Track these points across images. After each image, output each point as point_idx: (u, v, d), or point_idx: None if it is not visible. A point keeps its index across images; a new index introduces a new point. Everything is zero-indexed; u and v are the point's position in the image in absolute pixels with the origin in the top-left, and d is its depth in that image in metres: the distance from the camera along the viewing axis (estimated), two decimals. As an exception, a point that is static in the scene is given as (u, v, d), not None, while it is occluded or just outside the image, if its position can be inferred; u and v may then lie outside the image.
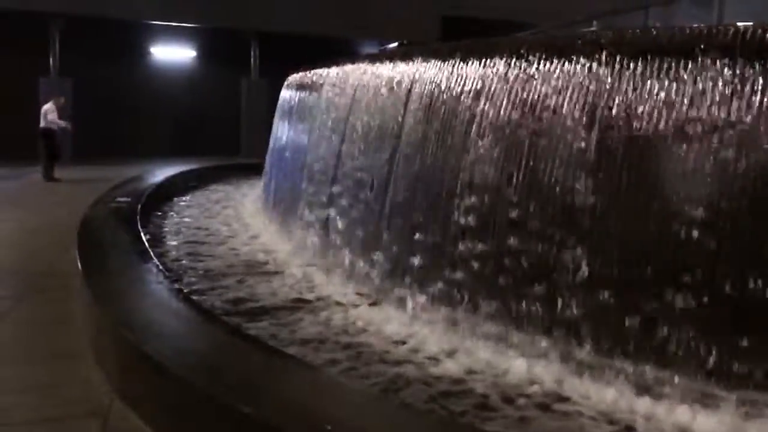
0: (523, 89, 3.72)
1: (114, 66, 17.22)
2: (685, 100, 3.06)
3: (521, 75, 3.75)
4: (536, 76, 3.67)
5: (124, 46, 17.33)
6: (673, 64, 3.12)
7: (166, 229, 7.33)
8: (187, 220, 8.07)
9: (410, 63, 4.82)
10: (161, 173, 10.56)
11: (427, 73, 4.53)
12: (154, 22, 16.98)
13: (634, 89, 3.21)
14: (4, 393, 3.30)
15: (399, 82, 4.89)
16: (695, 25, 3.22)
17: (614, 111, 3.31)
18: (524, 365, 3.37)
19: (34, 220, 8.30)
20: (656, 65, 3.17)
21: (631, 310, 3.10)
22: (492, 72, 3.98)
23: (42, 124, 13.02)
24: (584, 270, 3.28)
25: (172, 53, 18.70)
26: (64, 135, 13.33)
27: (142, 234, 5.50)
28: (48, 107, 13.07)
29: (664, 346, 3.01)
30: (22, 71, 15.82)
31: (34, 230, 7.66)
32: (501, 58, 3.96)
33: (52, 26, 15.86)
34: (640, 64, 3.23)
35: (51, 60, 16.04)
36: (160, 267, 4.42)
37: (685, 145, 3.07)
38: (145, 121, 17.80)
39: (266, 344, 3.22)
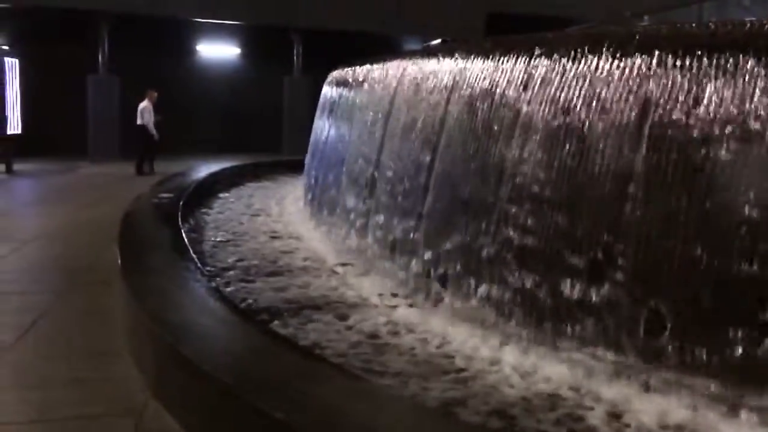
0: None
1: (160, 63, 17.49)
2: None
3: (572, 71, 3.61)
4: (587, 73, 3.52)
5: (170, 43, 17.60)
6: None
7: (208, 225, 7.36)
8: (227, 216, 8.10)
9: (452, 59, 4.71)
10: (204, 170, 10.65)
11: (469, 69, 4.41)
12: (200, 20, 17.19)
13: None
14: (43, 388, 3.33)
15: (441, 79, 4.78)
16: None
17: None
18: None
19: (80, 215, 8.45)
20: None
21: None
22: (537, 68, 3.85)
23: (138, 121, 13.33)
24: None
25: (217, 51, 18.92)
26: (159, 130, 13.69)
27: (182, 231, 5.50)
28: (145, 105, 13.37)
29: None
30: (71, 69, 16.19)
31: (80, 224, 7.79)
32: (545, 54, 3.83)
33: (100, 24, 16.18)
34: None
35: (100, 57, 16.36)
36: (199, 265, 4.41)
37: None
38: (190, 118, 18.04)
39: (302, 347, 3.16)
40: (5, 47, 13.98)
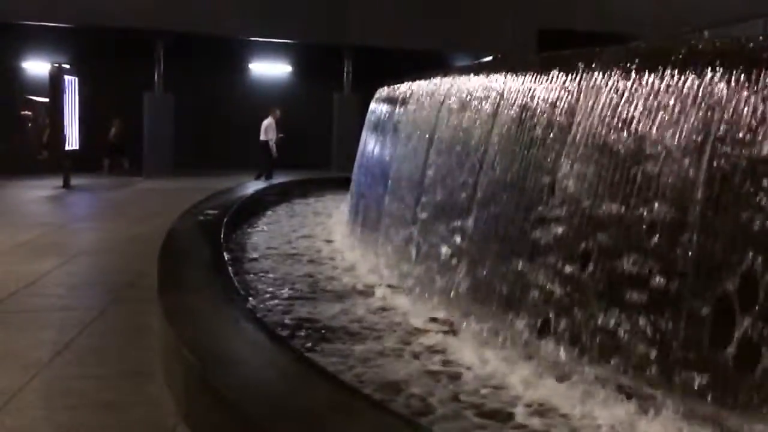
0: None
1: (214, 81, 17.77)
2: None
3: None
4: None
5: (224, 62, 17.88)
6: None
7: (249, 244, 7.31)
8: (271, 234, 8.06)
9: (499, 76, 4.54)
10: (252, 186, 10.69)
11: (516, 86, 4.23)
12: (254, 39, 17.42)
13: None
14: (73, 408, 3.27)
15: (487, 95, 4.61)
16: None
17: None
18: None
19: (130, 230, 8.52)
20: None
21: None
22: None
23: (262, 137, 13.92)
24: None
25: (269, 69, 19.15)
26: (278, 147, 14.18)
27: (222, 250, 5.45)
28: (269, 122, 13.77)
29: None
30: (128, 87, 16.58)
31: (129, 239, 7.84)
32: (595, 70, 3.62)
33: (156, 43, 16.55)
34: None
35: (155, 76, 16.72)
36: (236, 285, 4.32)
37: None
38: (242, 134, 18.24)
39: (334, 377, 3.02)
40: (65, 66, 14.40)
